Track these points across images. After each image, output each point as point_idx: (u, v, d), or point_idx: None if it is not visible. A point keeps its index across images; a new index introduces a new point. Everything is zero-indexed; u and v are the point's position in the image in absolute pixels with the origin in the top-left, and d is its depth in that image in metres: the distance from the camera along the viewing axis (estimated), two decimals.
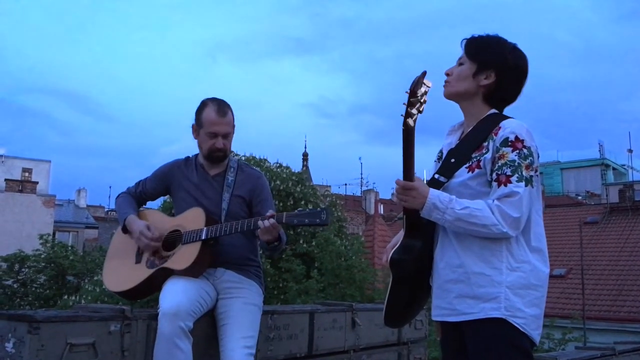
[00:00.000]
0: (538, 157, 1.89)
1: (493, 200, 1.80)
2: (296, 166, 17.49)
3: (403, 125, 1.77)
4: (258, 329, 2.53)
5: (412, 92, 1.74)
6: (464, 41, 2.03)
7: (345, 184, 39.54)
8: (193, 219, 2.59)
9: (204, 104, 2.70)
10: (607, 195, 22.82)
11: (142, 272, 2.57)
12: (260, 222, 2.42)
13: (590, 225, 19.03)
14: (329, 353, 3.20)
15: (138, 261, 2.62)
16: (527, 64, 1.99)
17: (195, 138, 2.73)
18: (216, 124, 2.64)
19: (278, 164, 14.34)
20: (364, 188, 32.67)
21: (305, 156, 35.95)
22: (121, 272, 2.65)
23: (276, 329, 2.83)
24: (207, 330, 2.49)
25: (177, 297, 2.34)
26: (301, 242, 12.65)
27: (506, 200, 1.79)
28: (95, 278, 14.77)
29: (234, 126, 2.73)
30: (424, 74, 1.77)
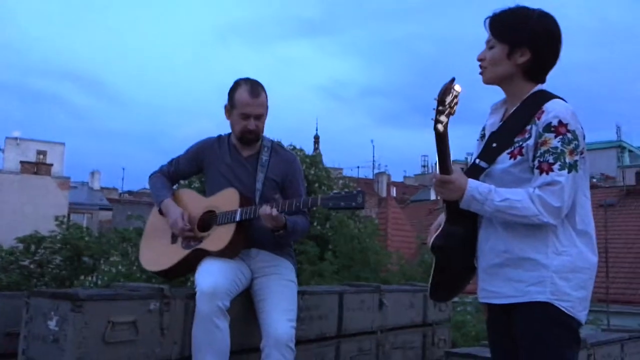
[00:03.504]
0: (584, 138, 1.84)
1: (534, 189, 1.77)
2: (308, 149, 17.48)
3: (434, 131, 1.78)
4: (297, 305, 2.54)
5: (441, 101, 1.74)
6: (488, 21, 1.94)
7: (358, 167, 39.45)
8: (227, 199, 2.58)
9: (237, 85, 2.67)
10: (623, 178, 22.61)
11: (177, 253, 2.59)
12: (263, 208, 2.41)
13: (605, 207, 18.89)
14: (357, 333, 3.22)
15: (174, 241, 2.64)
16: (558, 27, 1.92)
17: (228, 119, 2.71)
18: (249, 105, 2.61)
19: (292, 147, 14.33)
20: (376, 171, 32.64)
21: (316, 139, 35.84)
22: (157, 252, 2.67)
23: (307, 310, 2.84)
24: (242, 309, 2.51)
25: (214, 277, 2.35)
26: (315, 224, 12.68)
27: (547, 188, 1.76)
28: (111, 259, 14.93)
29: (267, 107, 2.70)
30: (452, 81, 1.76)
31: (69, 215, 24.59)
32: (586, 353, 3.37)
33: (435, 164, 1.88)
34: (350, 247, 12.28)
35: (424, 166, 42.25)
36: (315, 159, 14.71)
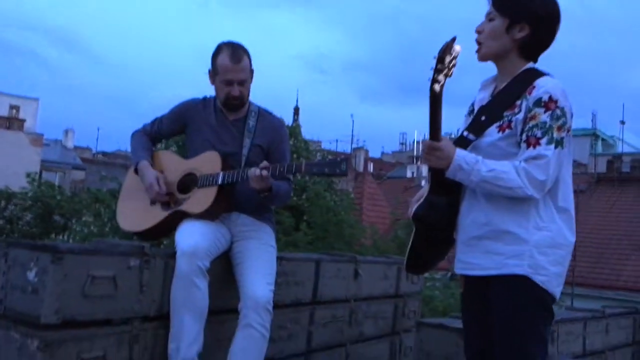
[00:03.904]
0: (572, 116, 1.87)
1: (520, 162, 1.80)
2: (287, 120, 17.38)
3: (430, 91, 1.77)
4: (275, 269, 2.57)
5: (440, 59, 1.73)
6: None
7: (337, 141, 39.36)
8: (208, 162, 2.57)
9: (219, 49, 2.61)
10: (595, 166, 23.07)
11: (156, 215, 2.58)
12: (252, 170, 2.41)
13: (576, 193, 19.29)
14: (331, 301, 3.28)
15: (153, 203, 2.62)
16: (559, 9, 1.94)
17: (212, 84, 2.67)
18: (231, 71, 2.56)
19: (266, 109, 14.17)
20: (354, 146, 32.68)
21: (296, 110, 35.61)
22: (135, 213, 2.65)
23: (284, 275, 2.87)
24: (221, 271, 2.53)
25: (194, 237, 2.36)
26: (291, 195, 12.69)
27: (533, 162, 1.78)
28: (83, 219, 14.79)
29: (251, 71, 2.66)
30: (453, 39, 1.75)
31: (41, 172, 24.19)
32: (550, 329, 3.49)
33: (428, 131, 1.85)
34: (325, 219, 12.36)
35: (402, 143, 42.45)
36: (294, 130, 14.66)
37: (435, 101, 1.78)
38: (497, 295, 1.87)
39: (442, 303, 10.20)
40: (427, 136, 1.85)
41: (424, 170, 30.11)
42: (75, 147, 33.20)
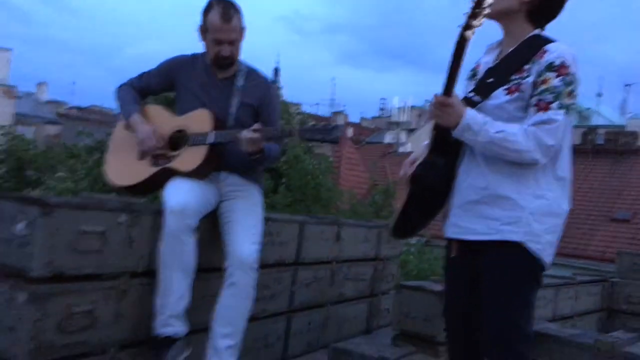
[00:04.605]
0: (579, 84, 1.85)
1: (530, 126, 1.78)
2: None
3: (459, 37, 1.70)
4: (262, 228, 2.59)
5: (478, 2, 1.67)
6: None
7: (317, 104, 39.08)
8: (199, 120, 2.56)
9: (210, 6, 2.56)
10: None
11: (145, 170, 2.56)
12: (244, 132, 2.40)
13: None
14: (314, 262, 3.33)
15: (141, 158, 2.60)
16: None
17: (202, 41, 2.63)
18: (220, 30, 2.52)
19: (255, 69, 13.98)
20: (334, 110, 32.54)
21: (276, 71, 35.17)
22: (124, 167, 2.63)
23: (268, 235, 2.90)
24: (208, 230, 2.54)
25: (183, 195, 2.37)
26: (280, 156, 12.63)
27: (543, 126, 1.77)
28: (57, 174, 14.55)
29: (242, 29, 2.61)
30: None
31: (14, 125, 23.62)
32: (535, 296, 3.60)
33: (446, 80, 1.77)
34: (303, 182, 12.39)
35: (381, 109, 42.37)
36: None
37: (462, 50, 1.72)
38: (490, 260, 1.86)
39: (416, 267, 10.45)
40: (442, 90, 1.78)
41: (403, 136, 30.20)
42: (49, 102, 32.39)
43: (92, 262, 2.11)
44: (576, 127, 26.49)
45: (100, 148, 12.28)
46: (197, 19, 2.62)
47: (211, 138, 2.49)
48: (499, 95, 1.87)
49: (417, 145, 2.19)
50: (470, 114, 1.81)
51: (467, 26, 1.70)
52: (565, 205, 1.90)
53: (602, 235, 16.58)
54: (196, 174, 2.50)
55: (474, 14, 1.69)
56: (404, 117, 32.88)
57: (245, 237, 2.46)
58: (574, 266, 14.44)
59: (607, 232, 16.69)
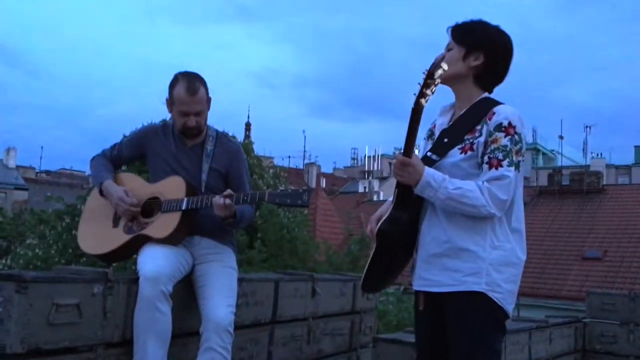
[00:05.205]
0: (526, 143, 2.03)
1: (483, 182, 1.91)
2: (239, 136, 17.36)
3: (415, 105, 1.83)
4: (236, 291, 2.63)
5: (430, 74, 1.81)
6: (450, 28, 2.12)
7: (289, 157, 39.49)
8: (173, 187, 2.62)
9: (175, 80, 2.66)
10: (537, 179, 24.00)
11: (119, 237, 2.60)
12: (216, 198, 2.47)
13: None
14: (290, 320, 3.34)
15: (115, 225, 2.64)
16: (512, 44, 2.11)
17: (170, 112, 2.73)
18: (186, 103, 2.61)
19: (224, 133, 14.14)
20: (307, 161, 32.85)
21: (248, 126, 35.53)
22: (98, 235, 2.66)
23: (244, 296, 2.93)
24: (183, 294, 2.57)
25: (157, 262, 2.40)
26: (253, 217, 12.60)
27: (496, 182, 1.91)
28: (27, 242, 14.23)
29: (208, 100, 2.70)
30: (443, 56, 1.86)
31: None
32: (502, 343, 3.65)
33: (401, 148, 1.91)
34: (279, 236, 12.39)
35: (353, 159, 42.95)
36: (246, 147, 14.66)
37: (417, 116, 1.86)
38: (455, 310, 1.96)
39: (395, 317, 10.41)
40: (402, 151, 1.91)
41: (376, 185, 30.53)
42: (18, 167, 32.00)
43: (67, 334, 2.11)
44: (542, 169, 27.21)
45: (70, 212, 12.13)
46: (167, 79, 2.71)
47: (184, 204, 2.55)
48: (455, 154, 2.01)
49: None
50: (429, 172, 1.93)
51: (421, 94, 1.85)
52: (522, 255, 2.02)
53: (575, 274, 16.82)
54: (170, 240, 2.54)
55: (426, 84, 1.84)
56: (375, 166, 33.30)
57: (220, 300, 2.49)
58: (550, 307, 14.56)
59: (580, 271, 16.93)
